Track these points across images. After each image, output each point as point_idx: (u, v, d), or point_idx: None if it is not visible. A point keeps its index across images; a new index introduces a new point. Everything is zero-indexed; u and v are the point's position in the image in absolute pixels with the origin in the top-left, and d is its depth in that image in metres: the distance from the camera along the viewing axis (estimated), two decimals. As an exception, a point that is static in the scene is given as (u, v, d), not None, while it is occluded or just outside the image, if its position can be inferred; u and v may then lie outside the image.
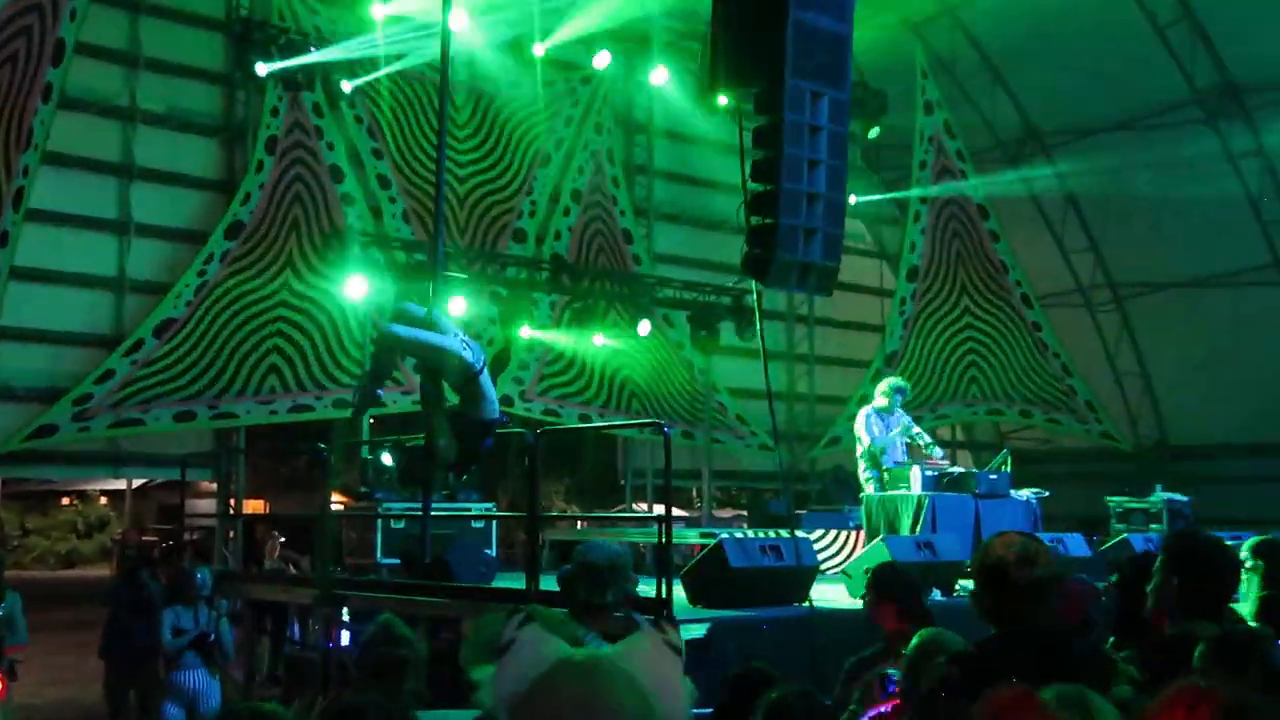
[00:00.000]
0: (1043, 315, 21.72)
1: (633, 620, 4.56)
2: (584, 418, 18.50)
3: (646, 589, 9.29)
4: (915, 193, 21.32)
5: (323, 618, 10.65)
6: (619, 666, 1.84)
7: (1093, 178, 20.05)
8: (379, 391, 8.74)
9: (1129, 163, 19.08)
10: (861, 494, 12.30)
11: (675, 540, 11.18)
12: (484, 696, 1.89)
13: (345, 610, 10.54)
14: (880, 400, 12.46)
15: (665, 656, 1.91)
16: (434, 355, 8.32)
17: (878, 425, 12.32)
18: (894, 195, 21.95)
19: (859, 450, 12.46)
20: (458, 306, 15.66)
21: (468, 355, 8.65)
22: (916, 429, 12.60)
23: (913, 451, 12.73)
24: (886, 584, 5.65)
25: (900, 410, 12.54)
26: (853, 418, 12.82)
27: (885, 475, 12.14)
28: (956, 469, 12.61)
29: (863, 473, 12.43)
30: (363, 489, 14.16)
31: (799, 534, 9.98)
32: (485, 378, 8.47)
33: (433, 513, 10.37)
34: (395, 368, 8.29)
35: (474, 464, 9.28)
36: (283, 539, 18.35)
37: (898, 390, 12.49)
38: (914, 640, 4.20)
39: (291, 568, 16.35)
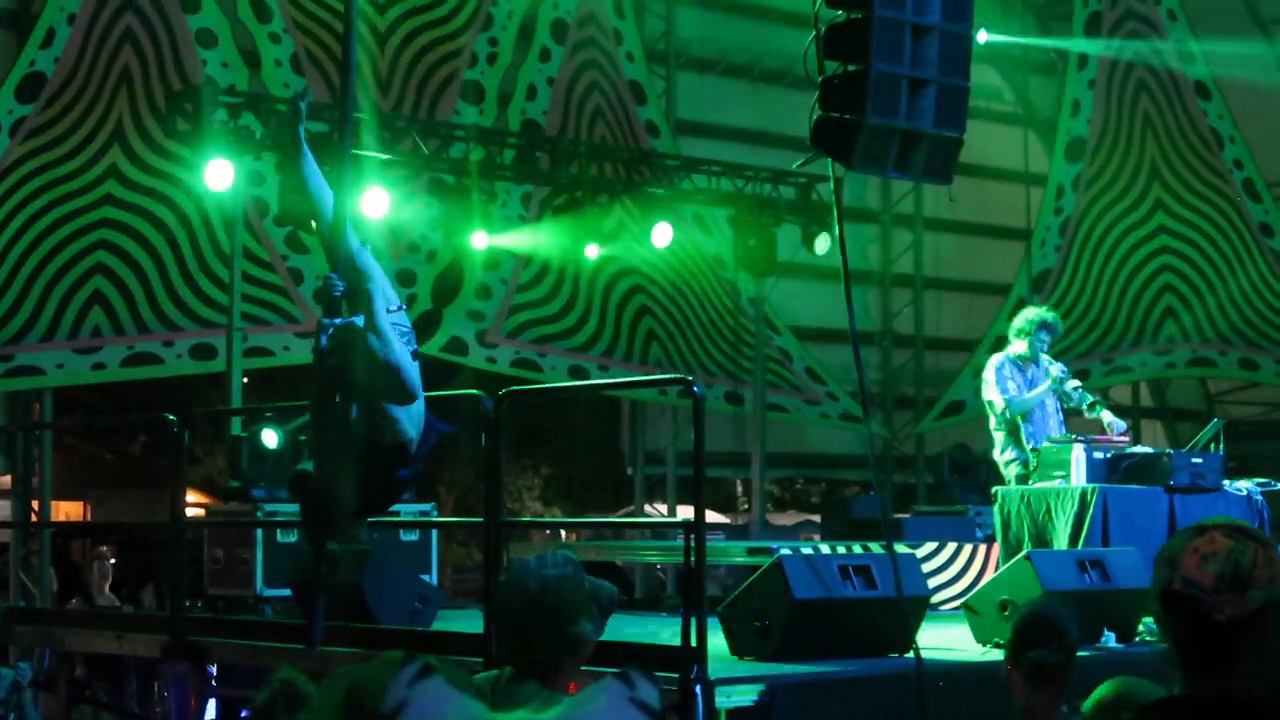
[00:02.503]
0: (1279, 213, 21.67)
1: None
2: (575, 371, 18.52)
3: (668, 632, 9.29)
4: (1075, 45, 21.26)
5: (176, 677, 10.69)
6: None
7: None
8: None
9: None
10: (995, 487, 12.29)
11: (711, 559, 11.18)
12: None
13: (211, 667, 10.58)
14: (1017, 344, 12.43)
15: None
16: (394, 380, 8.27)
17: (1015, 381, 12.29)
18: (1048, 43, 21.88)
19: (991, 421, 12.43)
20: (376, 204, 15.63)
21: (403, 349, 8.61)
22: (1074, 383, 12.55)
23: (1071, 421, 12.67)
24: (1042, 626, 5.79)
25: (1048, 358, 12.49)
26: (981, 371, 12.80)
27: (1032, 458, 12.13)
28: (1141, 448, 12.53)
29: (999, 454, 12.41)
30: (233, 483, 14.19)
31: (899, 548, 9.97)
32: (415, 366, 8.45)
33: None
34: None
35: (388, 506, 9.29)
36: (114, 560, 18.44)
37: (1042, 326, 12.43)
38: (1094, 695, 4.25)
39: (128, 604, 16.43)
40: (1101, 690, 4.31)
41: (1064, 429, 12.47)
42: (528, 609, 4.87)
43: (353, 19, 8.57)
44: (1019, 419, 12.26)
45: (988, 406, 12.44)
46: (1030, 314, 12.64)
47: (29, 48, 15.91)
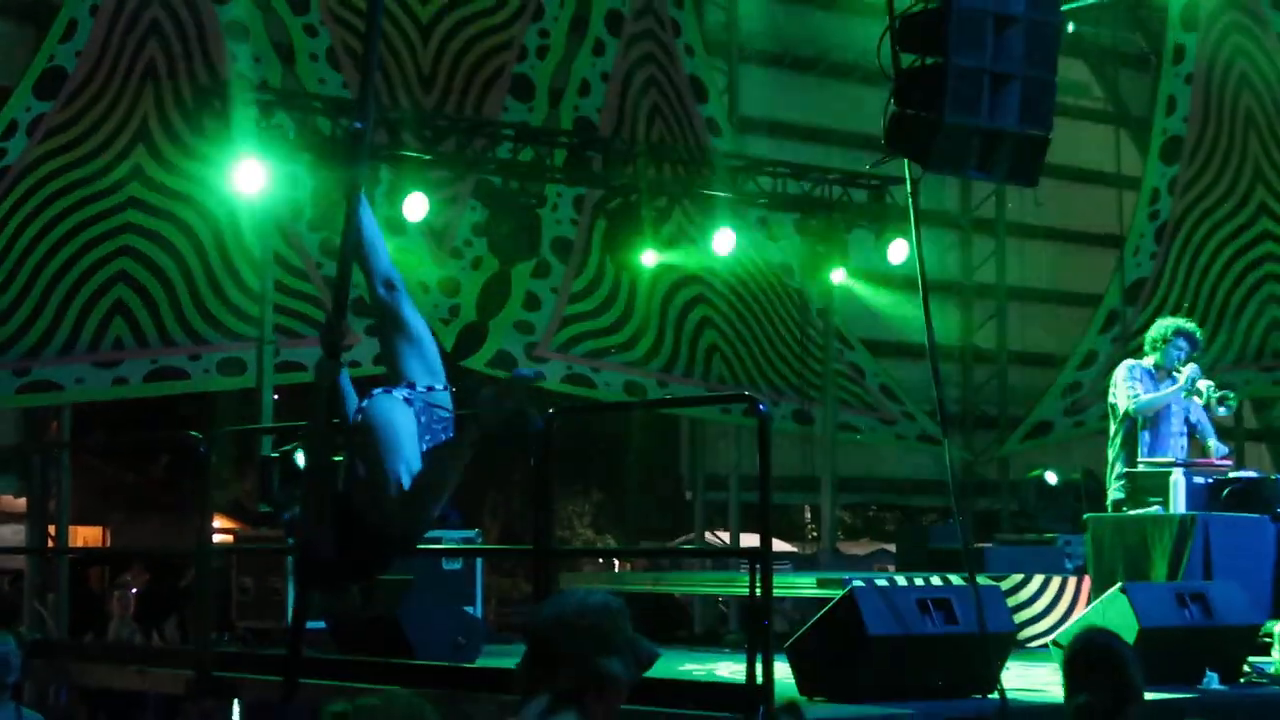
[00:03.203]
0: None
1: None
2: (631, 388, 18.50)
3: (733, 670, 9.26)
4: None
5: (201, 716, 10.74)
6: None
7: None
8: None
9: None
10: (1087, 514, 12.24)
11: (778, 591, 11.14)
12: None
13: (237, 704, 10.61)
14: (1149, 358, 12.35)
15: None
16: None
17: (1144, 385, 12.20)
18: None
19: (1110, 433, 12.35)
20: (416, 208, 15.67)
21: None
22: (1207, 382, 12.35)
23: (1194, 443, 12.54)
24: (1091, 663, 5.65)
25: (1190, 371, 12.25)
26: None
27: (1127, 483, 12.06)
28: (1245, 473, 12.46)
29: (1111, 473, 12.34)
30: (263, 507, 14.23)
31: (982, 580, 9.93)
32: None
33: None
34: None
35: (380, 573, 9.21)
36: (136, 590, 18.51)
37: (1180, 334, 12.31)
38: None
39: (152, 636, 16.48)
40: None
41: (1185, 451, 12.35)
42: (558, 630, 4.85)
43: (377, 15, 8.54)
44: (1141, 433, 12.16)
45: (1110, 412, 12.39)
46: (1167, 322, 12.57)
47: (49, 41, 15.99)
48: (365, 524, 7.85)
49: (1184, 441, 12.32)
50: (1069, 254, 22.60)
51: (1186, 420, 12.34)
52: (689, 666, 10.80)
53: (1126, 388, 12.17)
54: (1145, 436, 12.19)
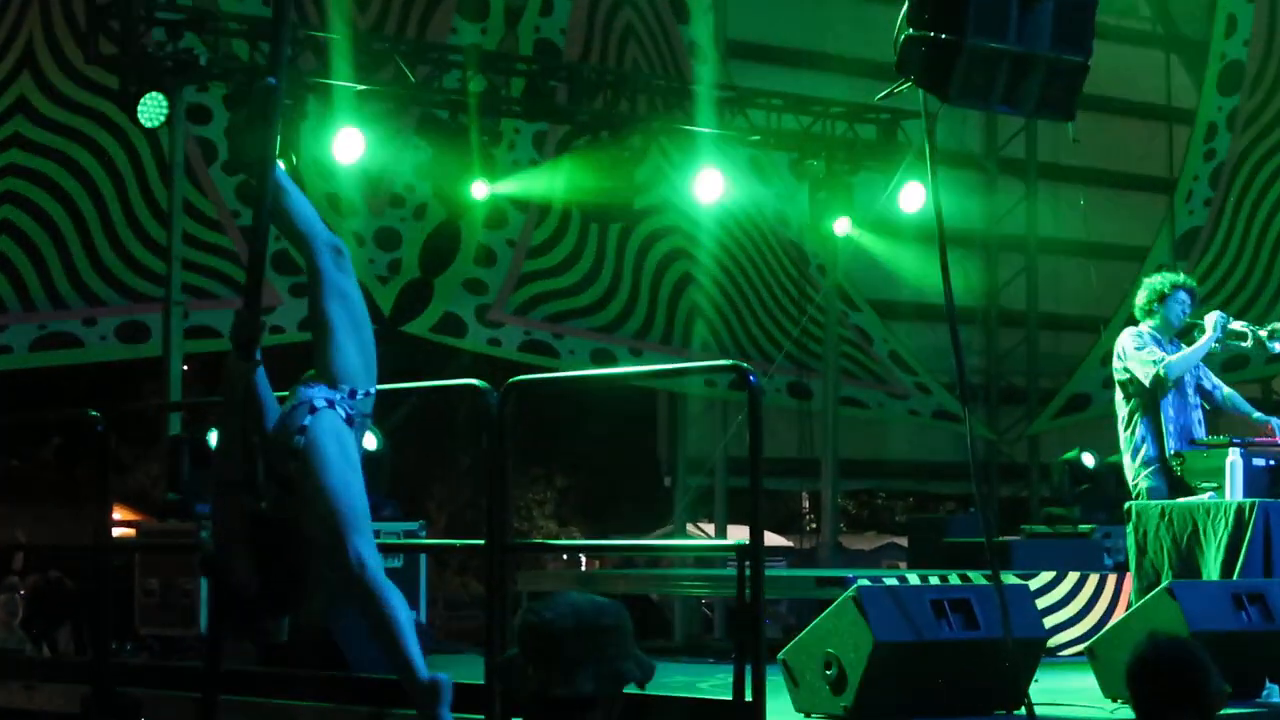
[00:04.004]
0: None
1: None
2: (600, 356, 18.54)
3: (715, 683, 9.29)
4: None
5: (100, 740, 10.76)
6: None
7: None
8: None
9: None
10: (1129, 503, 12.28)
11: (771, 592, 11.20)
12: None
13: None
14: (1147, 323, 12.38)
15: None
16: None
17: (1161, 349, 12.23)
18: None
19: (1121, 416, 12.37)
20: (349, 146, 15.67)
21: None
22: (1239, 324, 12.38)
23: (1218, 422, 12.55)
24: (1165, 678, 5.67)
25: (1217, 317, 12.31)
26: (1109, 357, 12.74)
27: (1174, 465, 12.10)
28: (1315, 452, 12.50)
29: (1131, 458, 12.36)
30: (171, 496, 14.26)
31: (1008, 579, 9.98)
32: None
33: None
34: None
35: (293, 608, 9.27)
36: (23, 593, 18.54)
37: (1180, 289, 12.35)
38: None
39: (42, 646, 16.50)
40: None
41: (1204, 430, 12.40)
42: (575, 627, 4.98)
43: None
44: (1162, 406, 12.18)
45: (1122, 391, 12.34)
46: (1157, 279, 12.55)
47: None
48: (290, 551, 7.91)
49: (1200, 415, 12.35)
50: (1110, 200, 22.65)
51: (1199, 388, 12.37)
52: (671, 681, 10.86)
53: (1146, 355, 12.15)
54: (1170, 409, 12.18)
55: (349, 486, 7.85)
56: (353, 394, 7.96)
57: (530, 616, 5.14)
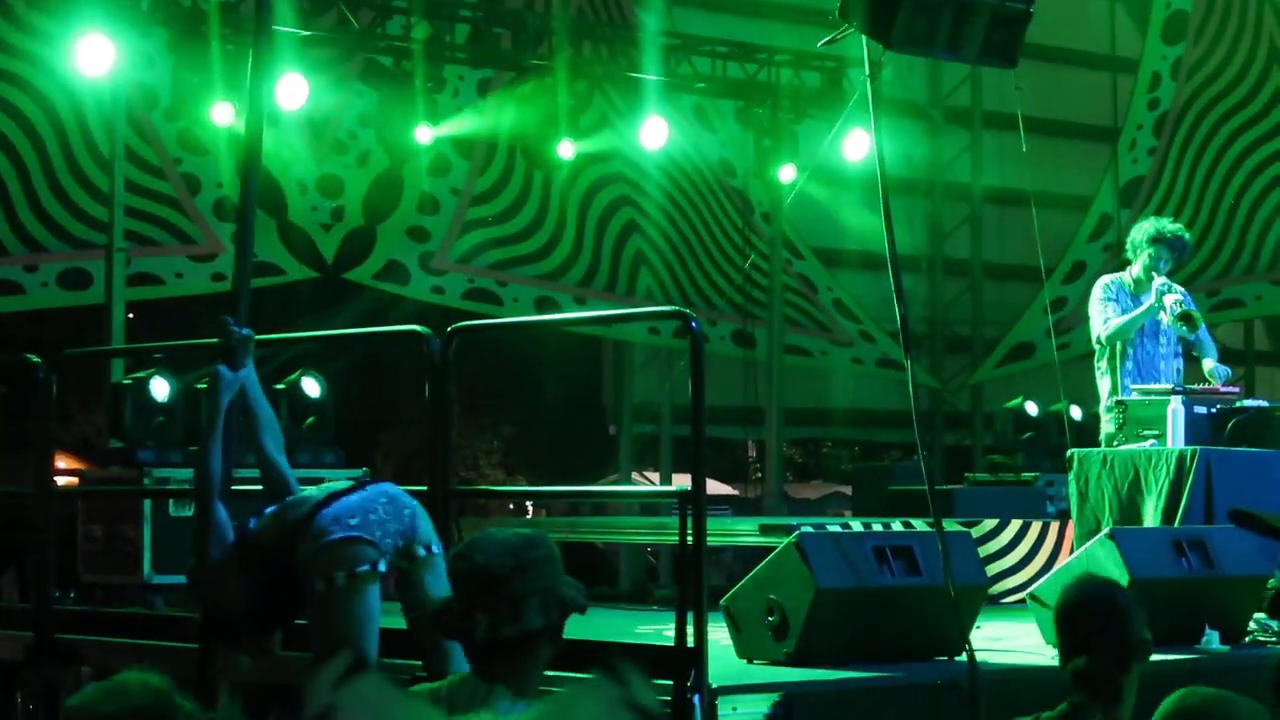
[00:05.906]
0: None
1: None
2: (544, 304, 18.53)
3: (661, 629, 9.32)
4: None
5: (42, 686, 10.73)
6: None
7: None
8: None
9: None
10: (1071, 450, 12.32)
11: (714, 539, 11.22)
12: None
13: (85, 669, 10.61)
14: (1131, 269, 12.39)
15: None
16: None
17: (1119, 305, 12.25)
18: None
19: (1099, 363, 12.41)
20: (292, 93, 15.61)
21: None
22: (1175, 297, 12.33)
23: (1195, 371, 12.58)
24: (1091, 618, 5.70)
25: (1163, 280, 12.29)
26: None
27: (1117, 412, 12.13)
28: (1253, 402, 12.50)
29: (1102, 406, 12.41)
30: (114, 444, 14.22)
31: (950, 526, 10.01)
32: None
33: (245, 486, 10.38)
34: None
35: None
36: (-36, 540, 18.49)
37: (1155, 241, 12.36)
38: (1159, 711, 4.26)
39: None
40: (1166, 705, 4.28)
41: (1179, 375, 12.41)
42: (508, 561, 5.05)
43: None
44: (1124, 356, 12.21)
45: (1095, 344, 12.43)
46: (1145, 226, 12.54)
47: None
48: (278, 568, 7.90)
49: (1179, 364, 12.36)
50: (1054, 149, 22.63)
51: (1183, 338, 12.35)
52: (614, 627, 10.87)
53: (1100, 310, 12.21)
54: (1129, 361, 12.22)
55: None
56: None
57: (463, 564, 5.17)
